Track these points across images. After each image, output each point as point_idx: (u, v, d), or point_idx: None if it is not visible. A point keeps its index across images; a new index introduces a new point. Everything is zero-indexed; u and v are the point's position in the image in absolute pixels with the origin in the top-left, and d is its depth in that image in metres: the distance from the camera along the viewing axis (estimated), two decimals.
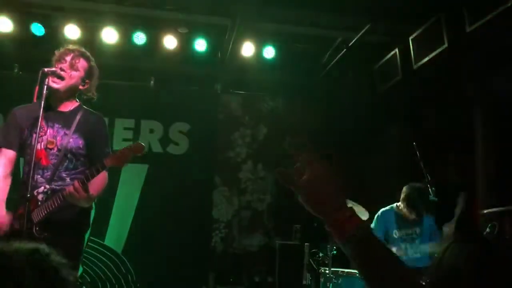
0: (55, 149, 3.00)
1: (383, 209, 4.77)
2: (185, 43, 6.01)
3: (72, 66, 3.05)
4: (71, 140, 3.03)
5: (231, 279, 6.43)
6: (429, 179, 4.43)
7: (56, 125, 3.04)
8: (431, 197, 4.45)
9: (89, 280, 5.93)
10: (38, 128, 2.83)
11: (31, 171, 2.81)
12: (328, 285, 4.34)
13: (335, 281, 4.35)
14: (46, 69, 2.93)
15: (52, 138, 3.00)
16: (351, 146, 6.48)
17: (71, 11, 5.50)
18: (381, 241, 1.16)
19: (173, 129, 6.62)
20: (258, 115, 7.09)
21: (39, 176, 2.94)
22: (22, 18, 5.57)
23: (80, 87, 3.14)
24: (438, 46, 4.84)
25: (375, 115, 6.27)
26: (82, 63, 3.11)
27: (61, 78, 3.00)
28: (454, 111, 5.30)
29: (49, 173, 2.96)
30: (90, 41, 5.46)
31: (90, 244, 5.89)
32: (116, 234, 6.19)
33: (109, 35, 5.71)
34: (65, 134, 3.04)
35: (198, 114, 6.67)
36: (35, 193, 2.89)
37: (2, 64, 6.23)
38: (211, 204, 6.71)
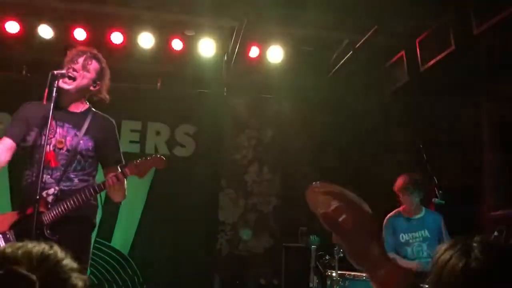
0: (65, 149, 3.01)
1: (389, 215, 4.76)
2: (192, 45, 6.03)
3: (85, 68, 3.07)
4: (81, 141, 3.04)
5: (237, 282, 6.42)
6: (436, 182, 4.41)
7: (66, 125, 3.05)
8: (438, 200, 4.43)
9: (96, 282, 5.93)
10: (48, 130, 2.83)
11: (41, 172, 2.79)
12: None
13: (342, 284, 4.31)
14: (56, 72, 2.93)
15: (62, 138, 3.01)
16: (358, 147, 6.46)
17: (79, 13, 5.53)
18: None
19: (180, 132, 6.62)
20: (264, 118, 7.08)
21: (49, 176, 2.94)
22: (30, 20, 5.59)
23: (91, 88, 3.15)
24: (445, 48, 4.83)
25: (382, 117, 6.25)
26: (94, 65, 3.13)
27: (73, 78, 3.02)
28: (461, 113, 5.29)
29: (58, 173, 2.97)
30: (97, 43, 5.47)
31: (97, 245, 5.89)
32: (122, 236, 6.20)
33: (117, 38, 5.76)
34: (76, 135, 3.05)
35: (205, 116, 6.65)
36: (44, 194, 2.88)
37: (10, 66, 6.25)
38: (217, 206, 6.70)
